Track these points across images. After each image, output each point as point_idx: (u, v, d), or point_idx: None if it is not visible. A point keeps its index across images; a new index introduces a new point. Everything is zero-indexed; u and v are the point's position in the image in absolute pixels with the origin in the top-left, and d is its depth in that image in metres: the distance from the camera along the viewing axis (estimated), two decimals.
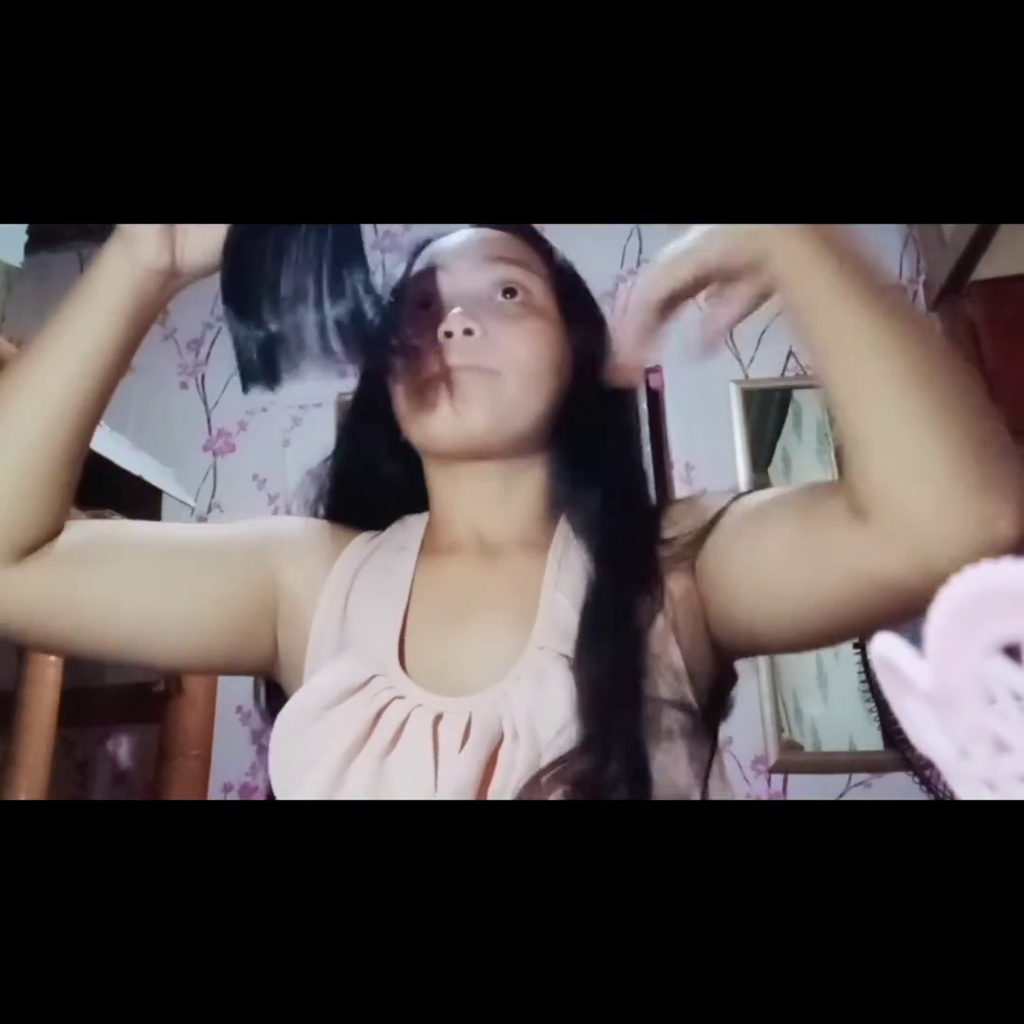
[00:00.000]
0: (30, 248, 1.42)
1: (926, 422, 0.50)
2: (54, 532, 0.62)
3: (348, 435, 0.75)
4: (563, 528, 0.69)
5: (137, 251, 0.61)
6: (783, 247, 0.54)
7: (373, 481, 0.73)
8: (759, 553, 0.60)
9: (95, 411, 0.62)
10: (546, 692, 0.58)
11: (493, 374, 0.65)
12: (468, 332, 0.65)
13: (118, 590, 0.64)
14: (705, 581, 0.64)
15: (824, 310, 0.53)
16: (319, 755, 0.57)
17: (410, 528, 0.73)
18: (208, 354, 2.29)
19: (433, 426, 0.67)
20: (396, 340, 0.62)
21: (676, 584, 0.64)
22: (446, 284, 0.69)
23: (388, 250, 2.26)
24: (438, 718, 0.59)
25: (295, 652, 0.67)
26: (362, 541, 0.72)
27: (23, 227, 1.38)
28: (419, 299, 0.68)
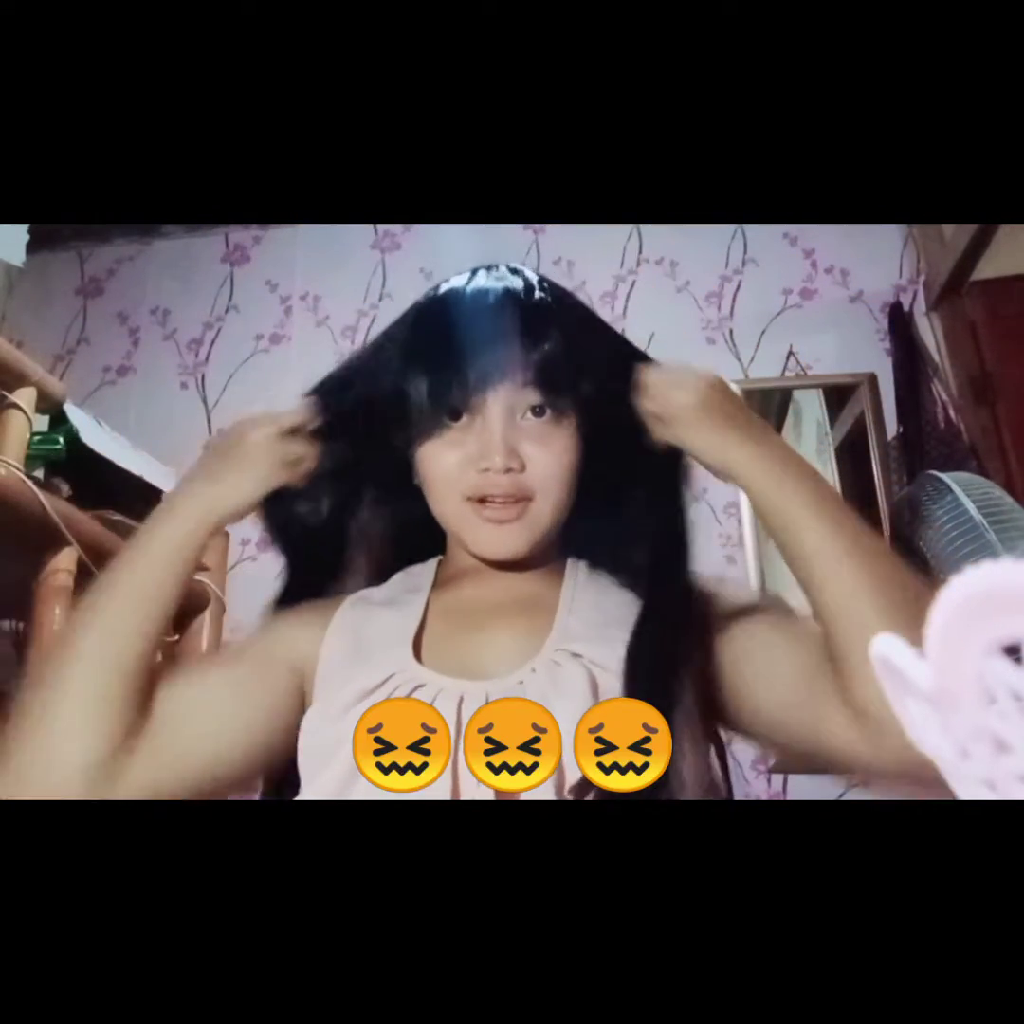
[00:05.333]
0: (30, 248, 1.41)
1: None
2: (146, 716, 0.65)
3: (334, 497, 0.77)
4: (578, 560, 0.72)
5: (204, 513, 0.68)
6: (751, 452, 0.63)
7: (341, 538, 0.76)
8: (764, 687, 0.64)
9: (158, 632, 0.67)
10: (561, 681, 0.61)
11: (529, 500, 0.69)
12: (508, 470, 0.67)
13: (201, 742, 0.66)
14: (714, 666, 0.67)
15: (804, 521, 0.61)
16: (344, 739, 0.58)
17: (417, 574, 0.76)
18: (208, 354, 2.28)
19: (473, 546, 0.71)
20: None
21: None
22: (477, 400, 0.68)
23: (388, 250, 2.26)
24: (461, 700, 0.61)
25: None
26: (358, 595, 0.74)
27: (23, 227, 1.38)
28: (448, 407, 0.69)
